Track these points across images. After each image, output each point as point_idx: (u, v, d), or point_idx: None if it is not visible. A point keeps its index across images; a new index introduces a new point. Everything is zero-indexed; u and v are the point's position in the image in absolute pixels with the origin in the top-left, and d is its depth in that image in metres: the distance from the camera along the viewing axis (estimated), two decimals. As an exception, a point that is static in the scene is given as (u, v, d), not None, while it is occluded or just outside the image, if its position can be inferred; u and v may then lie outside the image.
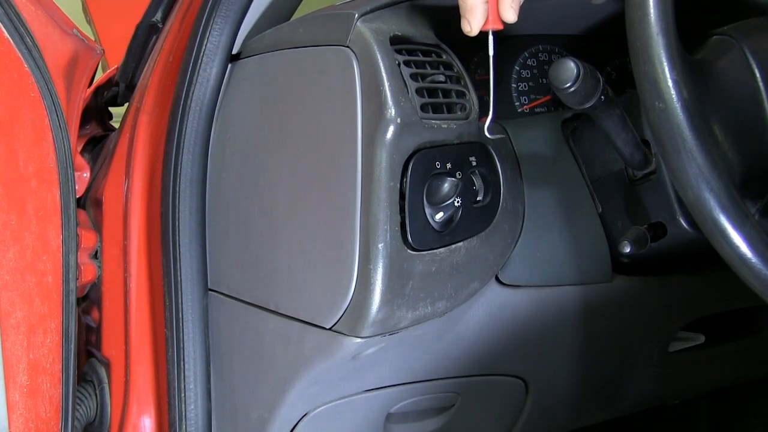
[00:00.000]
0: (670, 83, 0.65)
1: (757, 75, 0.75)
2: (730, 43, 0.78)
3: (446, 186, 0.75)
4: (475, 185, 0.80)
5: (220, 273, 0.95)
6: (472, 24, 0.72)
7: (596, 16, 1.05)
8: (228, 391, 0.95)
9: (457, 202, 0.76)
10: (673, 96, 0.65)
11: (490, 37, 0.73)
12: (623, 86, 1.05)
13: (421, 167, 0.74)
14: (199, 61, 0.93)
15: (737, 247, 0.65)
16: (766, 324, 1.16)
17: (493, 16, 0.72)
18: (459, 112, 0.80)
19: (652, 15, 0.65)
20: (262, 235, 0.86)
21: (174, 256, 0.95)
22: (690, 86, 0.66)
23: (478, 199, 0.81)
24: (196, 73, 0.93)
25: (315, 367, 0.82)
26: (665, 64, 0.65)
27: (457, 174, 0.77)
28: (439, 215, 0.76)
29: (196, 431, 0.96)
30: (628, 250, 0.82)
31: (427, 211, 0.76)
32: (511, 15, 0.72)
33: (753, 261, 0.65)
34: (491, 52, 0.74)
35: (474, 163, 0.80)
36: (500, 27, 0.72)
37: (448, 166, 0.77)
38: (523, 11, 0.75)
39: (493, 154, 0.84)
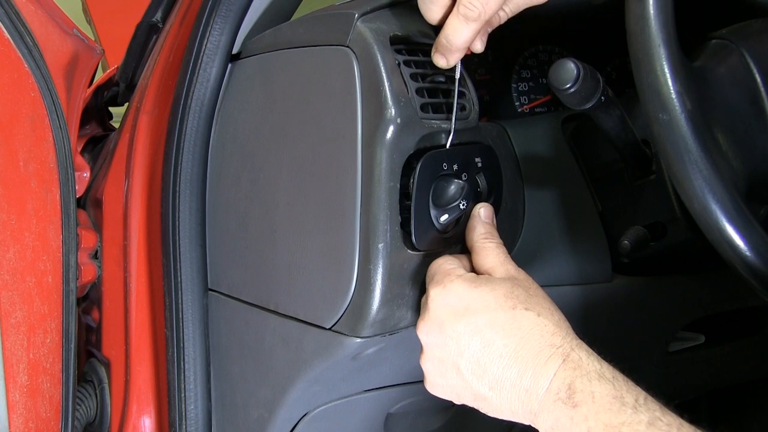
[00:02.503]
0: (673, 95, 0.65)
1: (758, 80, 0.76)
2: (730, 48, 0.78)
3: (452, 188, 0.75)
4: (479, 187, 0.80)
5: (220, 273, 0.95)
6: (450, 61, 0.75)
7: (596, 16, 1.05)
8: (228, 391, 0.95)
9: (463, 204, 0.76)
10: (677, 107, 0.65)
11: (459, 64, 0.77)
12: (623, 86, 1.05)
13: (428, 168, 0.74)
14: (199, 61, 0.93)
15: (745, 256, 0.66)
16: (766, 324, 1.16)
17: None
18: (459, 113, 0.80)
19: (653, 26, 0.65)
20: (262, 234, 0.86)
21: (174, 256, 0.95)
22: (693, 96, 0.66)
23: (481, 200, 0.81)
24: (196, 73, 0.93)
25: (315, 367, 0.82)
26: (668, 75, 0.65)
27: (463, 176, 0.77)
28: (444, 217, 0.76)
29: (196, 431, 0.96)
30: (628, 250, 0.82)
31: (432, 212, 0.75)
32: (480, 46, 0.76)
33: (761, 270, 0.66)
34: (458, 75, 0.77)
35: (479, 165, 0.80)
36: (468, 53, 0.76)
37: (455, 167, 0.77)
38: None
39: (498, 155, 0.84)
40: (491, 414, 0.69)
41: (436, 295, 0.70)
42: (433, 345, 0.70)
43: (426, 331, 0.70)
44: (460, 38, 0.72)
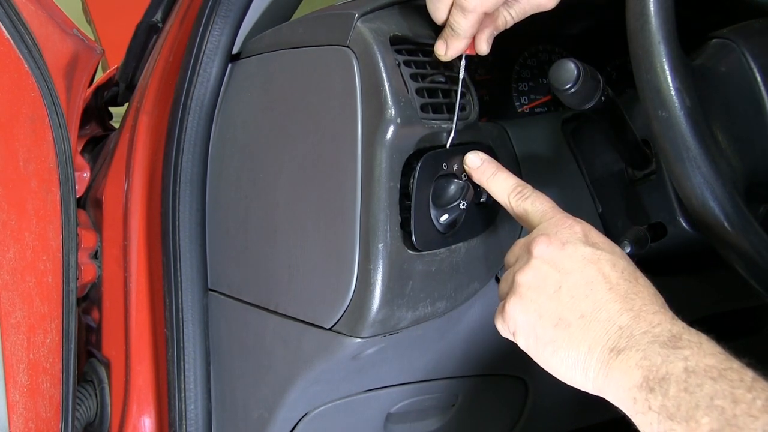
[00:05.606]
0: (672, 92, 0.65)
1: (759, 79, 0.76)
2: (730, 48, 0.78)
3: (452, 188, 0.75)
4: (479, 187, 0.80)
5: (220, 273, 0.95)
6: (450, 50, 0.75)
7: (596, 16, 1.05)
8: (228, 391, 0.95)
9: (463, 204, 0.76)
10: (676, 105, 0.65)
11: (463, 62, 0.76)
12: (623, 86, 1.05)
13: (428, 168, 0.74)
14: (199, 61, 0.93)
15: (743, 254, 0.66)
16: (766, 324, 1.16)
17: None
18: (459, 112, 0.79)
19: (653, 24, 0.65)
20: (262, 235, 0.86)
21: (174, 256, 0.95)
22: (692, 94, 0.66)
23: (481, 200, 0.81)
24: (196, 73, 0.93)
25: (315, 367, 0.82)
26: (667, 72, 0.65)
27: (463, 176, 0.77)
28: (444, 217, 0.76)
29: (196, 431, 0.96)
30: (628, 250, 0.82)
31: (432, 213, 0.75)
32: (485, 47, 0.76)
33: (760, 269, 0.66)
34: (462, 75, 0.77)
35: None
36: (473, 53, 0.76)
37: (455, 167, 0.77)
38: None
39: (498, 155, 0.84)
40: (560, 350, 0.63)
41: (565, 221, 0.68)
42: (547, 259, 0.66)
43: (546, 244, 0.66)
44: (458, 28, 0.72)
